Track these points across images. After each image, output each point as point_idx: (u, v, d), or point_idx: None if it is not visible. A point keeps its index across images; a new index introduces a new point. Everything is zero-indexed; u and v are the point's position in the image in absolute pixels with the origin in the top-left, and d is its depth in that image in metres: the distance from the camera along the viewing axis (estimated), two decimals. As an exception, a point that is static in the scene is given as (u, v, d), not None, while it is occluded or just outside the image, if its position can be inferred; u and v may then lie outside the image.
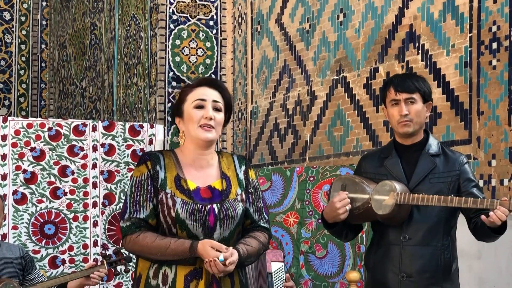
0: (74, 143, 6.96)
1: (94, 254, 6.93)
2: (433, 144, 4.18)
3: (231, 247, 3.49)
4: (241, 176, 3.69)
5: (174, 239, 3.47)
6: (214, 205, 3.54)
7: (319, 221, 6.65)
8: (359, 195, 4.13)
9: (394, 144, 4.24)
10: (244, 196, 3.65)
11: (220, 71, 9.44)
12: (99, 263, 5.25)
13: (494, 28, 5.86)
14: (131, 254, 6.13)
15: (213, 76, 9.35)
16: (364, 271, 6.45)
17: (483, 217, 3.87)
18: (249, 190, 3.68)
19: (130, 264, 5.27)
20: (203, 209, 3.51)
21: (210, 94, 3.61)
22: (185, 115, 3.61)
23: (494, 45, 5.84)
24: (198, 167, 3.62)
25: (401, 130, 4.13)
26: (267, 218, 3.73)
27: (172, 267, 3.50)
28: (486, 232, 4.01)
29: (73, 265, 6.89)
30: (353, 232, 4.37)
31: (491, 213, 3.83)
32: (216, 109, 3.60)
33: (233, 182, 3.65)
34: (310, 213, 6.71)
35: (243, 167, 3.71)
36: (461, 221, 4.22)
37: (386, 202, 4.04)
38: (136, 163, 7.07)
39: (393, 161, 4.18)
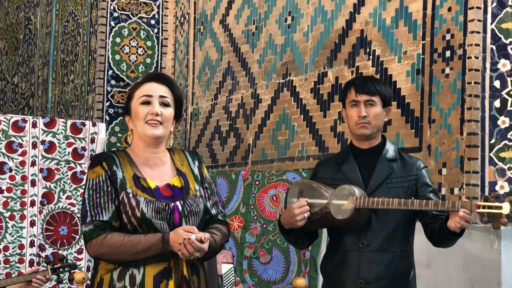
0: (13, 139, 6.72)
1: (30, 254, 6.70)
2: (390, 149, 4.14)
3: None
4: (196, 171, 3.61)
5: (144, 234, 3.37)
6: (178, 203, 3.45)
7: (264, 225, 6.55)
8: (317, 200, 4.05)
9: (351, 148, 4.18)
10: (202, 192, 3.57)
11: (161, 71, 9.27)
12: (41, 268, 5.04)
13: (448, 36, 5.84)
14: (77, 262, 5.96)
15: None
16: (308, 278, 6.37)
17: (448, 223, 3.81)
18: (204, 185, 3.61)
19: (75, 271, 5.08)
20: (167, 207, 3.42)
21: (157, 89, 3.51)
22: (132, 113, 3.52)
23: (448, 53, 5.82)
24: (153, 165, 3.53)
25: (358, 132, 4.08)
26: (223, 212, 3.68)
27: (140, 268, 3.38)
28: (445, 235, 3.96)
29: (8, 265, 6.64)
30: (308, 240, 4.29)
31: (456, 218, 3.77)
32: (164, 104, 3.50)
33: (190, 178, 3.57)
34: (255, 217, 6.60)
35: (197, 162, 3.65)
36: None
37: (345, 206, 3.97)
38: (76, 161, 6.92)
39: (351, 166, 4.12)
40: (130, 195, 3.40)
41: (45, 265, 4.97)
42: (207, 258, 3.50)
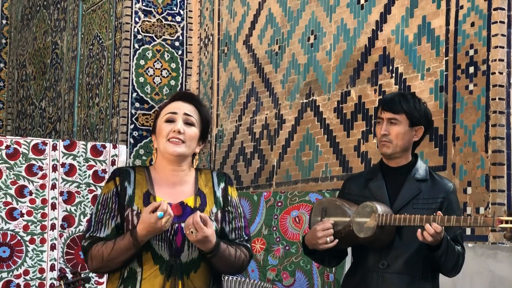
0: (33, 162, 6.67)
1: (51, 279, 6.63)
2: (421, 169, 3.98)
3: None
4: (219, 193, 3.43)
5: (114, 239, 3.27)
6: (183, 224, 3.29)
7: (287, 247, 6.43)
8: (341, 218, 3.92)
9: (380, 166, 4.06)
10: (220, 215, 3.40)
11: (185, 93, 9.21)
12: (56, 285, 4.98)
13: (471, 52, 5.71)
14: (89, 274, 5.88)
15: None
16: (332, 301, 6.24)
17: (418, 232, 3.69)
18: (227, 209, 3.43)
19: (88, 285, 5.00)
20: (170, 228, 3.28)
21: (183, 108, 3.41)
22: (157, 130, 3.42)
23: (471, 69, 5.69)
24: (171, 184, 3.40)
25: (380, 150, 3.98)
26: (247, 238, 3.49)
27: (136, 286, 3.28)
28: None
29: (28, 290, 6.58)
30: (336, 258, 4.16)
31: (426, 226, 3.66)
32: (188, 123, 3.39)
33: (209, 200, 3.41)
34: (278, 239, 6.48)
35: (222, 184, 3.46)
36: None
37: (367, 224, 3.84)
38: (97, 184, 6.85)
39: (378, 183, 3.99)
40: (135, 212, 3.31)
41: (58, 282, 4.91)
42: (217, 268, 3.36)
